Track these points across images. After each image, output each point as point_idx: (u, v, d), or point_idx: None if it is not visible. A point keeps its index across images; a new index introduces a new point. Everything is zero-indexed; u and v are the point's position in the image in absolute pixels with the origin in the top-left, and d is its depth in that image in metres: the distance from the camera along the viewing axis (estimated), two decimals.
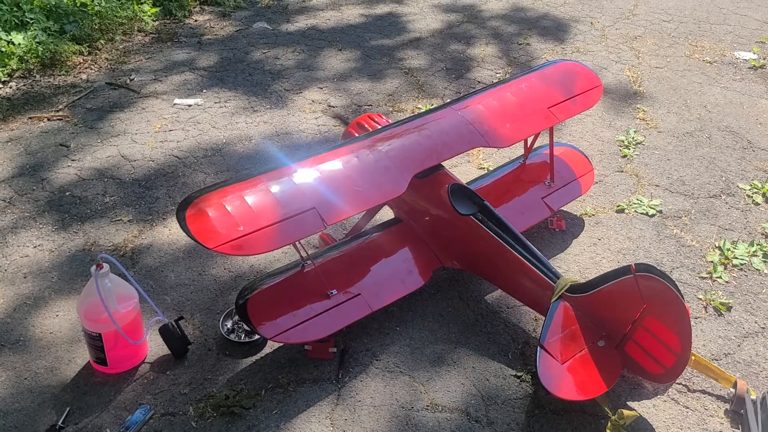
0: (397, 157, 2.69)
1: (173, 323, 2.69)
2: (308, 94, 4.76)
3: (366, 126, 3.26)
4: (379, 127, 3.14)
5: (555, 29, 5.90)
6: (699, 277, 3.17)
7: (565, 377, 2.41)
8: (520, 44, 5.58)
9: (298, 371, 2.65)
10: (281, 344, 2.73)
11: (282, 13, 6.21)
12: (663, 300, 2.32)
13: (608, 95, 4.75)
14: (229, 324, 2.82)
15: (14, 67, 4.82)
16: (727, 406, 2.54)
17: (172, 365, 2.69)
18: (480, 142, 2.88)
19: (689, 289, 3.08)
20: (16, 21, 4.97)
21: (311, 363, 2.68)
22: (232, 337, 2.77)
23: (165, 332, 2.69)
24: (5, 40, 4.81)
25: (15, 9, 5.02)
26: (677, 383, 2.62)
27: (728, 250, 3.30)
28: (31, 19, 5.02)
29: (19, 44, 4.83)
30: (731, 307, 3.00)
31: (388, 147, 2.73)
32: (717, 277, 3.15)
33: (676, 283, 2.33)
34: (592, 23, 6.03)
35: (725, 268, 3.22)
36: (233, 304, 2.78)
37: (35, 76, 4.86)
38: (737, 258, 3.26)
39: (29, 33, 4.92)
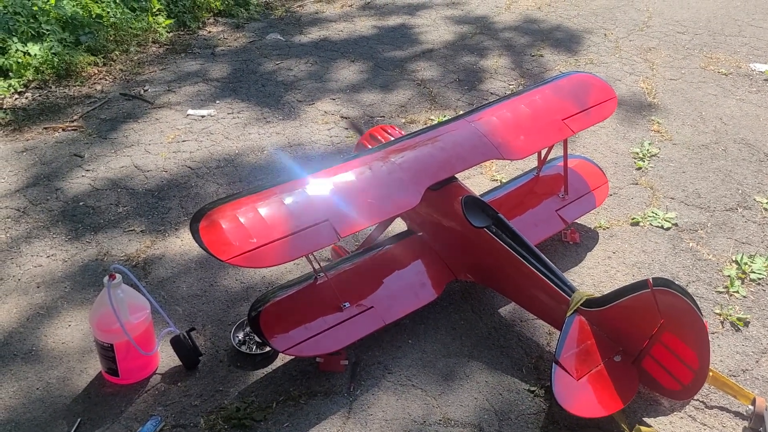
0: (410, 169, 2.68)
1: (185, 334, 2.69)
2: (321, 105, 4.77)
3: (379, 138, 3.26)
4: (393, 138, 3.14)
5: (568, 41, 5.89)
6: (716, 292, 3.12)
7: (581, 393, 2.38)
8: (533, 56, 5.57)
9: (309, 384, 2.63)
10: (293, 356, 2.71)
11: (295, 25, 6.24)
12: (681, 315, 2.29)
13: (622, 107, 4.73)
14: (240, 335, 2.81)
15: (30, 77, 4.87)
16: (746, 423, 2.49)
17: (184, 376, 2.68)
18: (494, 154, 2.86)
19: (706, 304, 3.04)
20: (33, 32, 5.02)
21: (323, 376, 2.66)
22: (244, 348, 2.76)
23: (176, 343, 2.69)
24: (22, 51, 4.85)
25: (32, 20, 5.08)
26: (695, 400, 2.57)
27: (745, 264, 3.26)
28: (47, 30, 5.07)
29: (36, 55, 4.88)
30: (749, 322, 2.95)
31: (401, 159, 2.72)
32: (734, 292, 3.11)
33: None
34: (605, 35, 6.01)
35: (742, 283, 3.17)
36: (245, 316, 2.78)
37: (51, 87, 4.90)
38: (755, 272, 3.22)
39: (45, 44, 4.97)
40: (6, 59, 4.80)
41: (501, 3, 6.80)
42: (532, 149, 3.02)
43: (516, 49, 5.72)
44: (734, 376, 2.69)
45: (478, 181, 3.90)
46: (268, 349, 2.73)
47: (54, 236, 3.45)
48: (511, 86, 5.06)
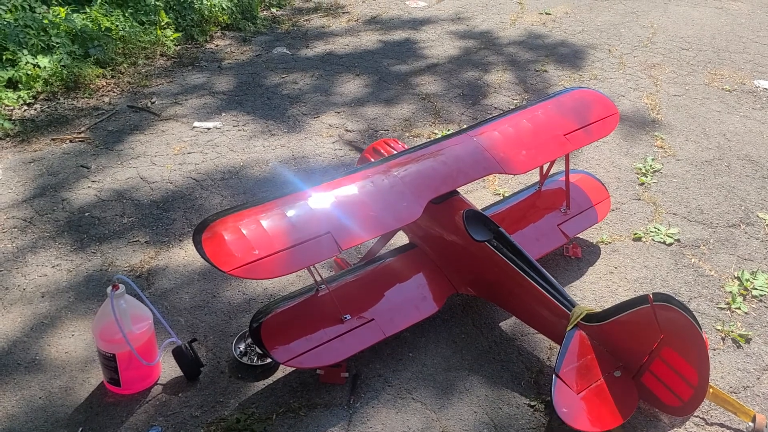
0: (412, 183, 2.70)
1: (186, 345, 2.70)
2: (325, 119, 4.81)
3: (382, 151, 3.28)
4: (395, 152, 3.16)
5: (572, 56, 5.92)
6: (717, 308, 3.12)
7: (581, 408, 2.38)
8: (537, 71, 5.60)
9: (309, 396, 2.64)
10: (293, 368, 2.72)
11: (301, 39, 6.30)
12: (681, 331, 2.29)
13: (626, 122, 4.74)
14: (242, 347, 2.83)
15: (39, 89, 4.93)
16: None
17: (185, 387, 2.69)
18: (496, 168, 2.88)
19: (707, 320, 3.04)
20: (43, 45, 5.08)
21: (323, 388, 2.67)
22: (245, 360, 2.77)
23: (178, 354, 2.70)
24: (31, 63, 4.92)
25: (42, 33, 5.14)
26: (695, 416, 2.57)
27: (747, 280, 3.25)
28: (57, 43, 5.13)
29: (45, 67, 4.94)
30: (750, 338, 2.95)
31: (403, 172, 2.74)
32: (736, 308, 3.11)
33: (694, 313, 2.30)
34: (609, 50, 6.04)
35: (744, 299, 3.17)
36: (246, 327, 2.79)
37: (59, 99, 4.96)
38: (756, 289, 3.21)
39: (55, 56, 5.03)
40: (16, 71, 4.86)
41: (506, 18, 6.85)
42: (534, 164, 3.03)
43: (520, 64, 5.75)
44: (735, 392, 2.69)
45: (481, 195, 3.92)
46: (269, 360, 2.74)
47: (59, 246, 3.47)
48: (514, 101, 5.09)
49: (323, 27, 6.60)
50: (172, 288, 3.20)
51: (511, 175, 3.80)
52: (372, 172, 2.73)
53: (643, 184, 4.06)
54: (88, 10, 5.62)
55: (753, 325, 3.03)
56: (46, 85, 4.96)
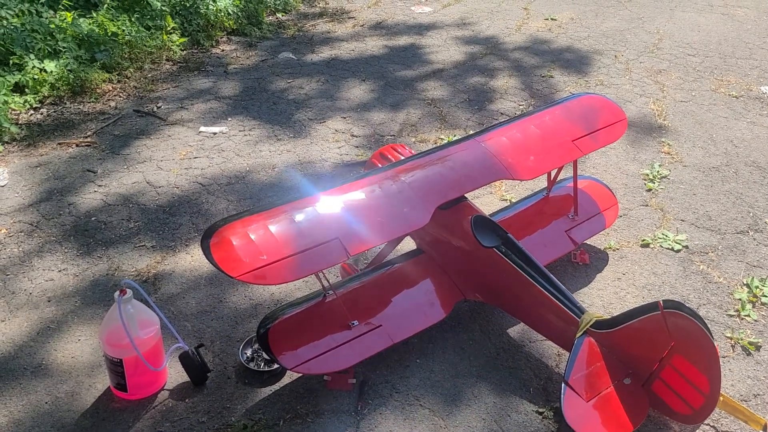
0: (420, 189, 2.69)
1: (193, 350, 2.69)
2: (331, 124, 4.81)
3: (389, 157, 3.27)
4: (403, 158, 3.15)
5: (578, 62, 5.91)
6: (726, 315, 3.10)
7: (590, 415, 2.36)
8: (543, 77, 5.60)
9: (317, 402, 2.63)
10: (301, 374, 2.70)
11: (307, 44, 6.31)
12: (692, 338, 2.27)
13: (633, 128, 4.73)
14: (248, 352, 2.81)
15: (46, 94, 4.94)
16: None
17: (191, 393, 2.68)
18: (503, 174, 2.87)
19: (716, 327, 3.02)
20: (49, 49, 5.10)
21: (330, 394, 2.66)
22: (252, 365, 2.76)
23: (185, 359, 2.69)
24: (38, 67, 4.93)
25: (48, 38, 5.16)
26: (705, 424, 2.54)
27: (756, 287, 3.23)
28: (64, 47, 5.15)
29: (51, 72, 4.95)
30: (760, 346, 2.93)
31: (411, 178, 2.73)
32: (745, 316, 3.09)
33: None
34: (615, 56, 6.03)
35: (753, 306, 3.15)
36: (253, 333, 2.78)
37: (65, 103, 4.97)
38: (766, 296, 3.19)
39: (61, 61, 5.05)
40: (23, 75, 4.88)
41: (511, 24, 6.85)
42: (541, 170, 3.02)
43: (526, 69, 5.75)
44: (745, 400, 2.67)
45: (488, 200, 3.91)
46: (276, 366, 2.73)
47: (66, 251, 3.47)
48: (521, 107, 5.08)
49: (329, 32, 6.61)
50: (179, 293, 3.19)
51: (519, 181, 3.79)
52: (380, 177, 2.72)
53: (650, 190, 4.05)
54: (94, 14, 5.65)
55: (763, 332, 3.01)
56: (53, 90, 4.98)
